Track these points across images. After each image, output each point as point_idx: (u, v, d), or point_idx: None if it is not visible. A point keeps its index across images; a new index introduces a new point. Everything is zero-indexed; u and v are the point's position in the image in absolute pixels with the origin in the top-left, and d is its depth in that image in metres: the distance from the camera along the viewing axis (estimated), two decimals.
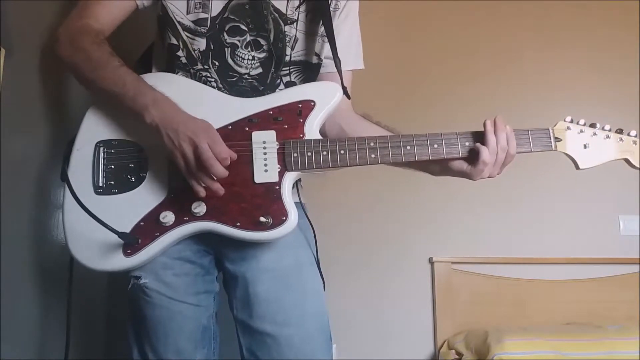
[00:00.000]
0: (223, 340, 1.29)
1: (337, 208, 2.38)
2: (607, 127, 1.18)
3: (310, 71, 1.32)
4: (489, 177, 1.18)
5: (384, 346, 2.32)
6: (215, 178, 1.09)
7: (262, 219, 1.10)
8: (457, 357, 2.16)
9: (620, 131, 1.19)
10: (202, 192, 1.10)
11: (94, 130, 1.20)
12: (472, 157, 1.16)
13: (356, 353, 2.28)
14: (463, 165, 1.17)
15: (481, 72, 2.56)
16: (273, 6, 1.27)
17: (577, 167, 1.18)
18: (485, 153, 1.13)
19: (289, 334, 1.16)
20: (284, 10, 1.28)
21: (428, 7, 2.59)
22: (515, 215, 2.47)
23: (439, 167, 1.22)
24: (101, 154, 1.17)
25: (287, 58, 1.29)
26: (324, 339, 1.21)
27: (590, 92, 2.51)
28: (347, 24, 1.35)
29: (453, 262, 2.40)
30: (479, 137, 1.16)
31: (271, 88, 1.26)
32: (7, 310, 1.26)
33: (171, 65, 1.27)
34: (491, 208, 2.46)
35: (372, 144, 1.15)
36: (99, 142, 1.18)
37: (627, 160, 1.18)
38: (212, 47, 1.25)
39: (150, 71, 1.32)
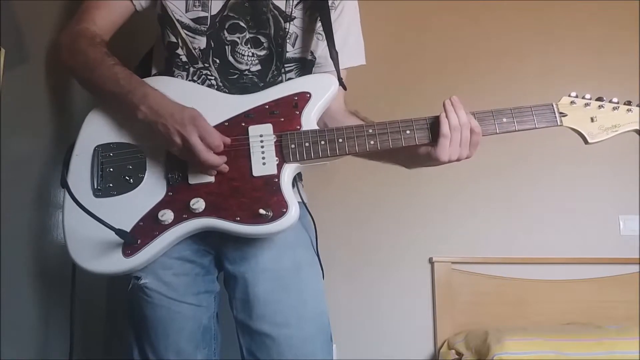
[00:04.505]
0: (224, 341, 1.29)
1: (337, 208, 2.38)
2: (614, 99, 1.13)
3: (306, 68, 1.32)
4: (458, 160, 1.13)
5: (384, 346, 2.31)
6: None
7: (262, 211, 1.09)
8: (457, 357, 2.16)
9: (628, 102, 1.13)
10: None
11: (92, 135, 1.20)
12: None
13: (356, 353, 2.27)
14: (428, 148, 1.15)
15: (480, 70, 2.55)
16: (273, 4, 1.27)
17: (585, 141, 1.13)
18: (445, 126, 1.10)
19: (288, 335, 1.16)
20: (283, 8, 1.28)
21: (427, 6, 2.59)
22: (515, 215, 2.47)
23: (405, 155, 1.20)
24: (100, 158, 1.17)
25: (288, 55, 1.28)
26: (323, 339, 1.21)
27: (591, 92, 2.50)
28: (341, 23, 1.34)
29: (453, 262, 2.39)
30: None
31: (271, 85, 1.24)
32: (7, 311, 1.26)
33: (170, 64, 1.27)
34: (491, 208, 2.46)
35: (370, 131, 1.14)
36: (98, 146, 1.19)
37: (637, 132, 1.13)
38: (212, 45, 1.25)
39: (150, 73, 1.32)
